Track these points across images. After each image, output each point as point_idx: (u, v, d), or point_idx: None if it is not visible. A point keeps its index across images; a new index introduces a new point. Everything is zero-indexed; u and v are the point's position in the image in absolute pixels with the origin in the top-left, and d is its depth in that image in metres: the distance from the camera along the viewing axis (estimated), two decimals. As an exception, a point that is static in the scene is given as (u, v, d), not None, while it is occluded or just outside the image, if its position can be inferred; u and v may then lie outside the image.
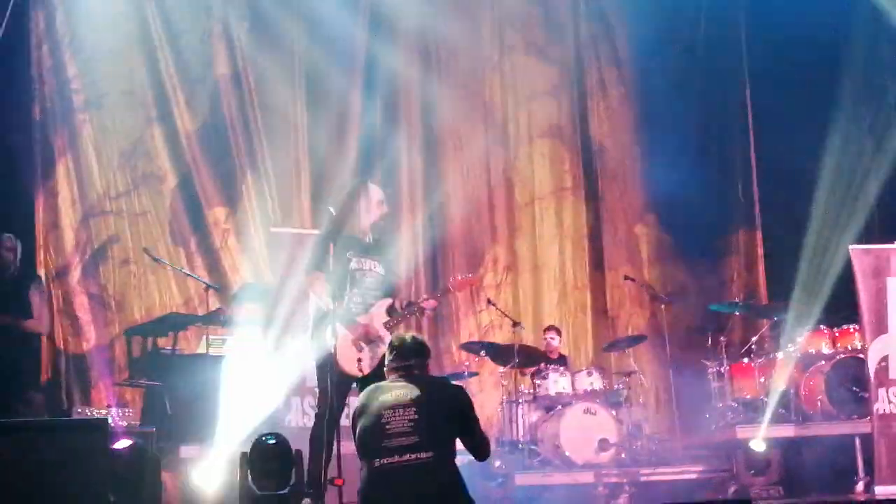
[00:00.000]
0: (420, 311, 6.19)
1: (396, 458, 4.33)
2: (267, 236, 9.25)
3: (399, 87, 10.56)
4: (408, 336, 4.81)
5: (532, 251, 11.06)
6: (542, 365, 9.19)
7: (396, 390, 4.52)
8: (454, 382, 5.11)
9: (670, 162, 10.49)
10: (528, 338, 10.30)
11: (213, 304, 8.80)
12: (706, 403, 9.36)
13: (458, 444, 4.64)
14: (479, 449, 4.65)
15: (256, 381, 7.73)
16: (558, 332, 9.80)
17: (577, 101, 11.35)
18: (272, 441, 5.51)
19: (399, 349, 4.69)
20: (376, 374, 5.24)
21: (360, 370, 5.63)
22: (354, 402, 4.90)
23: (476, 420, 4.61)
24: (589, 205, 11.33)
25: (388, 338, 5.78)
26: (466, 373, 9.13)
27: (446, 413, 4.48)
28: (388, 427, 4.40)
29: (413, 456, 4.32)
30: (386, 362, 4.76)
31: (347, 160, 10.04)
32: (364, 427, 4.50)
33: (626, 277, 10.58)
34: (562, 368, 9.03)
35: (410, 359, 4.66)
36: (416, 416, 4.40)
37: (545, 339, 9.72)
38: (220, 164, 9.58)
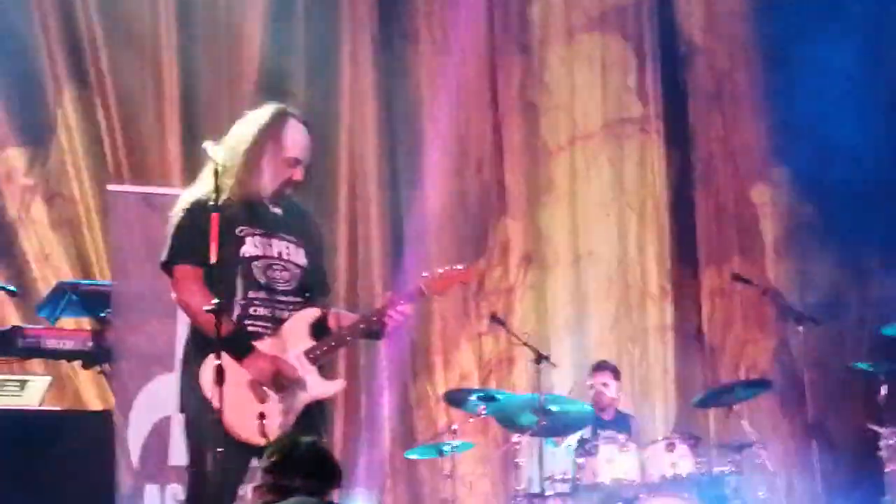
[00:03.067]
0: (379, 326, 6.10)
1: None
2: (102, 200, 9.24)
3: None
4: (303, 441, 4.78)
5: (570, 230, 11.13)
6: (590, 431, 9.17)
7: None
8: None
9: (817, 72, 10.48)
10: (563, 382, 10.27)
11: (6, 318, 8.77)
12: (877, 500, 9.28)
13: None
14: None
15: (85, 454, 7.53)
16: (616, 375, 9.78)
17: (654, -35, 11.48)
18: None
19: (283, 462, 4.70)
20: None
21: (264, 434, 5.59)
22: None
23: None
24: (672, 149, 11.39)
25: (312, 378, 5.75)
26: (453, 444, 9.04)
27: None
28: None
29: None
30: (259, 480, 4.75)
31: (245, 81, 10.11)
32: None
33: (737, 277, 10.51)
34: (622, 437, 8.96)
35: (294, 477, 4.66)
36: None
37: (593, 385, 9.70)
38: (19, 75, 9.56)
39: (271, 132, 6.02)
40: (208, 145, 5.82)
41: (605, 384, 9.65)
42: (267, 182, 5.98)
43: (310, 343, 5.93)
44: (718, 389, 9.83)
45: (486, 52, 11.16)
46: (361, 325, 6.08)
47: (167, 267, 5.95)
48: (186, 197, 6.19)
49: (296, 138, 6.05)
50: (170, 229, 6.03)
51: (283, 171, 6.01)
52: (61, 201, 9.46)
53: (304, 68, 10.38)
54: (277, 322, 5.93)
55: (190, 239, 5.86)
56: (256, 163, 5.97)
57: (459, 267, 6.54)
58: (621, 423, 9.53)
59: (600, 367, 9.84)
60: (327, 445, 4.86)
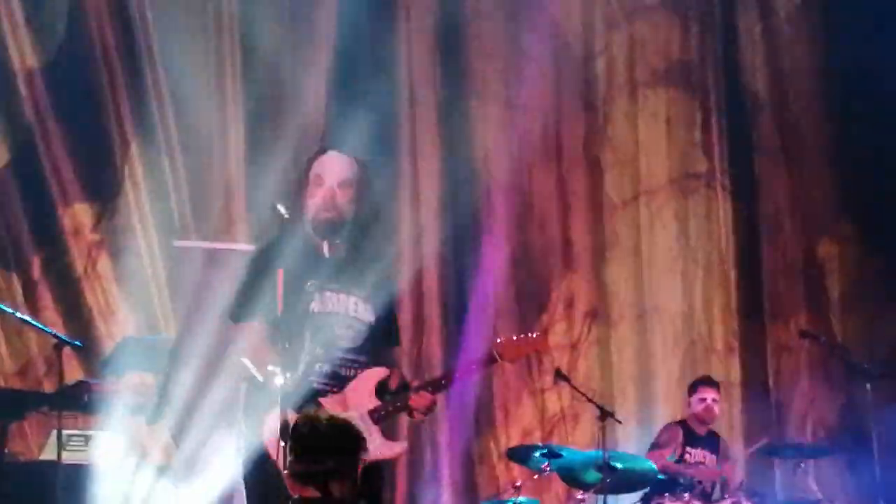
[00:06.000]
0: (407, 409, 6.07)
1: None
2: (168, 255, 9.36)
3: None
4: (323, 417, 4.79)
5: (635, 285, 11.14)
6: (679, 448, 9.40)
7: None
8: None
9: (883, 126, 10.50)
10: (626, 435, 10.24)
11: (72, 373, 8.74)
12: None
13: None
14: None
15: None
16: (718, 389, 9.88)
17: (720, 19, 11.50)
18: None
19: (307, 441, 4.71)
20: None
21: (325, 494, 5.56)
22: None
23: None
24: (738, 205, 11.39)
25: (375, 438, 5.67)
26: (516, 501, 8.99)
27: None
28: None
29: None
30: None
31: (308, 139, 10.08)
32: None
33: (804, 334, 10.53)
34: (711, 456, 9.39)
35: (324, 458, 4.68)
36: None
37: (704, 399, 9.74)
38: (87, 130, 9.67)
39: (306, 169, 6.04)
40: (276, 204, 5.85)
41: (714, 399, 9.74)
42: (308, 214, 5.98)
43: (374, 403, 5.91)
44: (782, 445, 9.98)
45: (551, 107, 11.16)
46: (399, 403, 6.04)
47: (231, 323, 5.98)
48: (252, 253, 6.24)
49: (326, 163, 5.99)
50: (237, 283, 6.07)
51: (314, 193, 5.98)
52: (128, 256, 9.49)
53: (368, 128, 10.36)
54: (341, 380, 5.90)
55: (254, 295, 5.87)
56: (300, 201, 5.98)
57: (533, 335, 6.53)
58: (712, 441, 9.68)
59: (707, 381, 9.92)
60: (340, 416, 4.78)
